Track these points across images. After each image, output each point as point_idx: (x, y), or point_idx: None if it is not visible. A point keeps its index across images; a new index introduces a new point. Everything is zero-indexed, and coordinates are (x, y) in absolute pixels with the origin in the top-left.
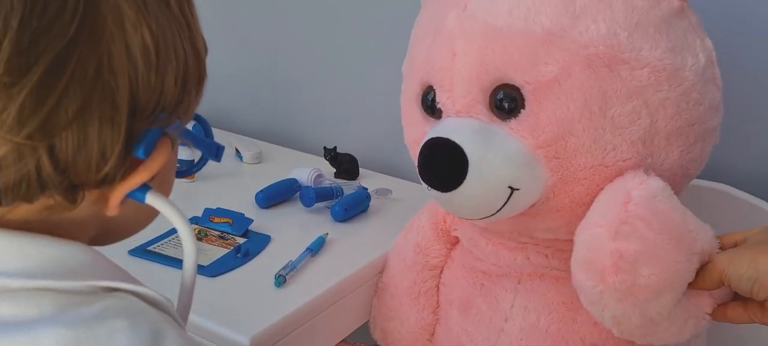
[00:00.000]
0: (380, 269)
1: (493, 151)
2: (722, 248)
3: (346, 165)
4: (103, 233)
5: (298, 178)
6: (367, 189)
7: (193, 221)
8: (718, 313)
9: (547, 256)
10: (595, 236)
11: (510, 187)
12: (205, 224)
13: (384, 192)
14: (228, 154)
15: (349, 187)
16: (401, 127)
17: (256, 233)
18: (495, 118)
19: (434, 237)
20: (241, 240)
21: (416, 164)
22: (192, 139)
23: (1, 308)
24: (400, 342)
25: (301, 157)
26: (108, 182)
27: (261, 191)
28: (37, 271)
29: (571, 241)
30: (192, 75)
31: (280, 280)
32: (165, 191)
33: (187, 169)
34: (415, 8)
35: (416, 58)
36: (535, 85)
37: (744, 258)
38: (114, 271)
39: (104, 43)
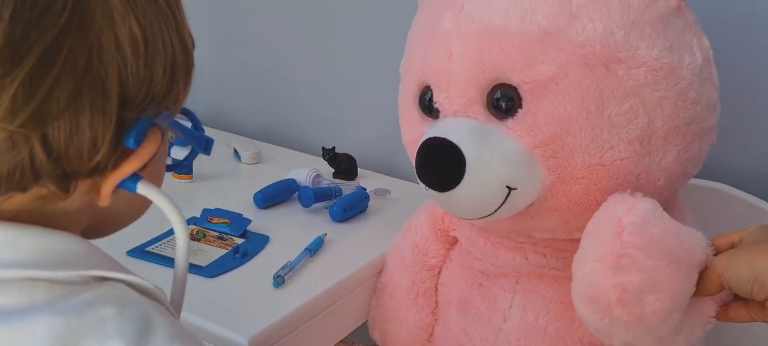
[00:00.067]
0: (379, 270)
1: (490, 150)
2: (718, 250)
3: (344, 165)
4: (95, 225)
5: (296, 178)
6: (365, 189)
7: (192, 221)
8: (720, 314)
9: (545, 256)
10: (594, 272)
11: (507, 186)
12: (204, 224)
13: (382, 192)
14: (226, 154)
15: (347, 187)
16: (399, 128)
17: (255, 233)
18: (492, 117)
19: (433, 237)
20: (239, 240)
21: (414, 164)
22: (182, 132)
23: None
24: (398, 342)
25: (300, 157)
26: (100, 170)
27: (259, 191)
28: (29, 261)
29: (570, 240)
30: (180, 66)
31: (279, 280)
32: (156, 183)
33: (179, 163)
34: (413, 8)
35: (413, 59)
36: (532, 85)
37: (741, 260)
38: (106, 261)
39: (94, 35)
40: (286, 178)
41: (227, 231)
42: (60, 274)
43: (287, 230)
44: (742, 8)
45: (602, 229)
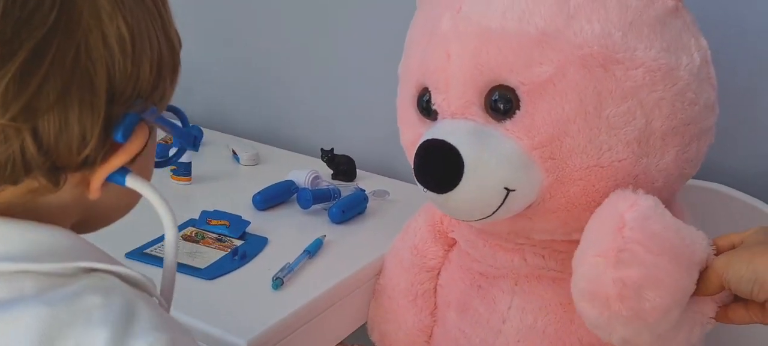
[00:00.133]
0: (378, 271)
1: (488, 152)
2: (719, 251)
3: (343, 167)
4: (86, 219)
5: (295, 180)
6: (364, 191)
7: (190, 223)
8: (719, 315)
9: (544, 257)
10: (594, 266)
11: (506, 188)
12: (202, 226)
13: (381, 193)
14: (225, 156)
15: (346, 188)
16: (398, 129)
17: (253, 235)
18: (490, 119)
19: (431, 239)
20: (238, 242)
21: (412, 166)
22: (169, 127)
23: None
24: (397, 344)
25: (299, 158)
26: (89, 164)
27: (258, 193)
28: (19, 254)
29: (568, 242)
30: (166, 63)
31: (278, 282)
32: (145, 177)
33: (167, 159)
34: (412, 9)
35: (411, 60)
36: (529, 86)
37: (742, 260)
38: (95, 253)
39: (81, 33)
40: (285, 179)
41: (226, 233)
42: (49, 266)
43: (286, 231)
44: (740, 9)
45: (603, 224)
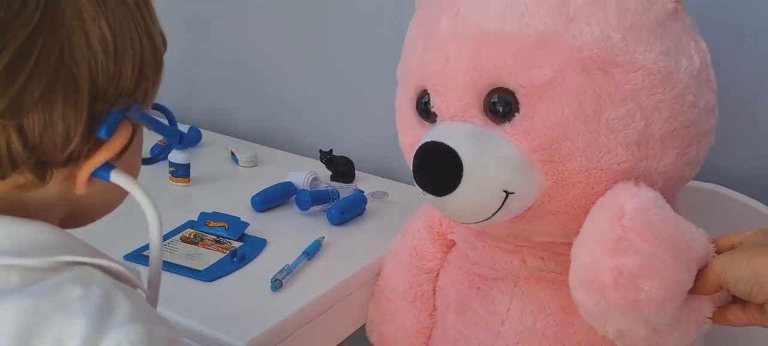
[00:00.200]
0: (377, 273)
1: (487, 155)
2: (718, 251)
3: (342, 168)
4: (73, 214)
5: (294, 181)
6: (363, 192)
7: (189, 224)
8: (717, 316)
9: (543, 259)
10: (592, 254)
11: (505, 191)
12: (201, 228)
13: (380, 195)
14: (224, 157)
15: (345, 190)
16: (397, 130)
17: (252, 236)
18: (489, 122)
19: (430, 240)
20: (237, 244)
21: (411, 168)
22: (155, 126)
23: None
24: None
25: (297, 160)
26: (73, 160)
27: (257, 194)
28: (5, 249)
29: (568, 244)
30: (148, 63)
31: (277, 284)
32: (131, 174)
33: (155, 157)
34: (411, 10)
35: (410, 62)
36: (529, 89)
37: (741, 261)
38: (79, 247)
39: (64, 33)
40: (284, 181)
41: (225, 235)
42: (33, 261)
43: (285, 233)
44: (740, 12)
45: (604, 214)
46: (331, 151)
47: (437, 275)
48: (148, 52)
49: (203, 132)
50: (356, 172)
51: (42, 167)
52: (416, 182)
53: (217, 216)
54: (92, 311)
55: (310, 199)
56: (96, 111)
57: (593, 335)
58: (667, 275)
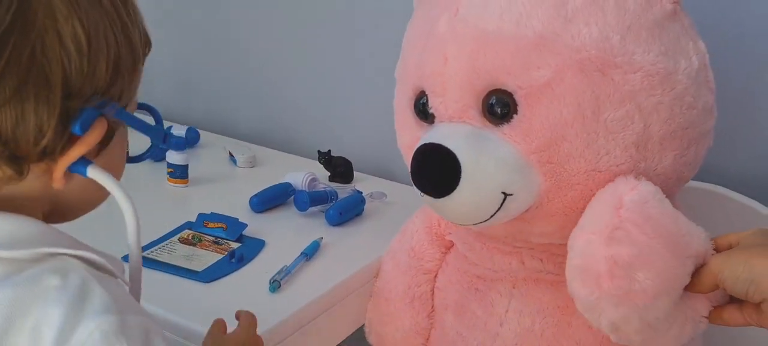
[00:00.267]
0: (375, 274)
1: (486, 156)
2: (716, 250)
3: (340, 169)
4: (57, 210)
5: (292, 182)
6: (361, 193)
7: (187, 226)
8: (714, 316)
9: (542, 260)
10: (588, 243)
11: (503, 192)
12: (199, 229)
13: (379, 195)
14: (222, 158)
15: (343, 190)
16: (395, 131)
17: (251, 237)
18: (488, 123)
19: (428, 241)
20: (235, 245)
21: (409, 169)
22: (134, 124)
23: None
24: None
25: (295, 160)
26: (48, 154)
27: (255, 195)
28: None
29: (566, 245)
30: (125, 62)
31: (275, 285)
32: (115, 173)
33: (139, 156)
34: (410, 10)
35: (408, 62)
36: (527, 90)
37: (738, 260)
38: (61, 239)
39: (37, 33)
40: (282, 182)
41: (223, 236)
42: (16, 253)
43: (283, 234)
44: (738, 12)
45: (603, 205)
46: (329, 151)
47: (436, 276)
48: (125, 50)
49: (201, 133)
50: (355, 172)
51: (16, 161)
52: (414, 183)
53: (215, 217)
54: (68, 300)
55: (309, 200)
56: (70, 107)
57: (592, 336)
58: (663, 267)
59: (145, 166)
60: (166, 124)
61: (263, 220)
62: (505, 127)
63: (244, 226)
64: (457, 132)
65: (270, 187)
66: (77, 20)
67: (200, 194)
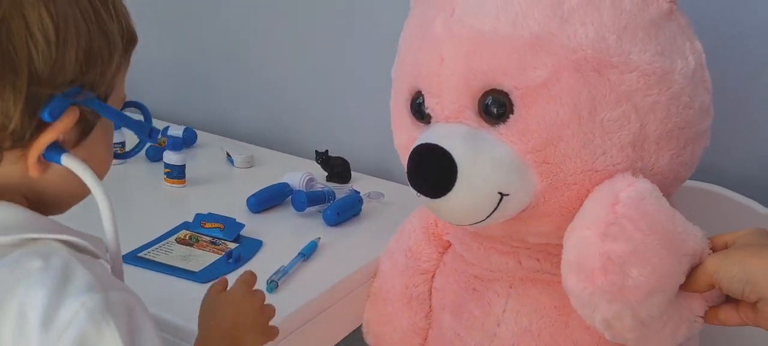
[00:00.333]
0: (373, 274)
1: (482, 157)
2: (712, 250)
3: (338, 169)
4: (41, 201)
5: (289, 182)
6: (359, 193)
7: (184, 226)
8: (710, 316)
9: (538, 260)
10: (583, 238)
11: (499, 192)
12: (197, 229)
13: (376, 196)
14: (219, 158)
15: (341, 191)
16: (392, 131)
17: (248, 238)
18: (484, 123)
19: (426, 241)
20: (232, 245)
21: (406, 170)
22: (114, 117)
23: None
24: None
25: (293, 161)
26: (17, 139)
27: (252, 195)
28: None
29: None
30: (98, 52)
31: (272, 285)
32: (99, 169)
33: (128, 152)
34: (408, 10)
35: (405, 63)
36: (523, 90)
37: (734, 260)
38: (44, 224)
39: (3, 21)
40: (280, 182)
41: (220, 236)
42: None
43: (280, 234)
44: (734, 12)
45: (599, 201)
46: (326, 151)
47: (433, 276)
48: (98, 41)
49: (199, 133)
50: (352, 172)
51: None
52: (411, 184)
53: (212, 217)
54: (51, 282)
55: (306, 200)
56: (38, 94)
57: (589, 336)
58: (657, 264)
59: (142, 166)
60: (164, 124)
61: (261, 220)
62: (502, 128)
63: (242, 226)
64: (454, 132)
65: (267, 187)
66: (45, 9)
67: (197, 194)
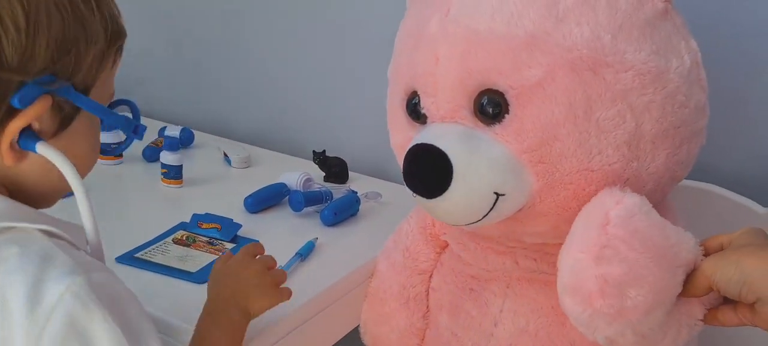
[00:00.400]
0: (370, 274)
1: (477, 157)
2: (707, 252)
3: (335, 169)
4: (21, 190)
5: (287, 182)
6: (356, 193)
7: (181, 226)
8: (709, 318)
9: (535, 260)
10: (577, 262)
11: (495, 192)
12: (194, 229)
13: (374, 196)
14: (216, 158)
15: (338, 191)
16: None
17: (245, 238)
18: (479, 123)
19: (423, 241)
20: (229, 246)
21: (402, 170)
22: (93, 108)
23: None
24: None
25: (290, 161)
26: None
27: (250, 195)
28: None
29: (560, 245)
30: (72, 42)
31: None
32: (82, 164)
33: (116, 149)
34: (404, 11)
35: (400, 63)
36: (519, 90)
37: (730, 262)
38: (22, 213)
39: None
40: (277, 182)
41: (217, 236)
42: None
43: (278, 234)
44: (729, 11)
45: (589, 221)
46: (324, 151)
47: (430, 276)
48: (74, 31)
49: (196, 133)
50: (349, 173)
51: None
52: (406, 184)
53: (209, 218)
54: (31, 268)
55: (304, 200)
56: (8, 80)
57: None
58: (653, 282)
59: (139, 166)
60: (161, 124)
61: (258, 220)
62: (497, 127)
63: (239, 226)
64: (449, 132)
65: (265, 187)
66: None
67: (194, 195)
